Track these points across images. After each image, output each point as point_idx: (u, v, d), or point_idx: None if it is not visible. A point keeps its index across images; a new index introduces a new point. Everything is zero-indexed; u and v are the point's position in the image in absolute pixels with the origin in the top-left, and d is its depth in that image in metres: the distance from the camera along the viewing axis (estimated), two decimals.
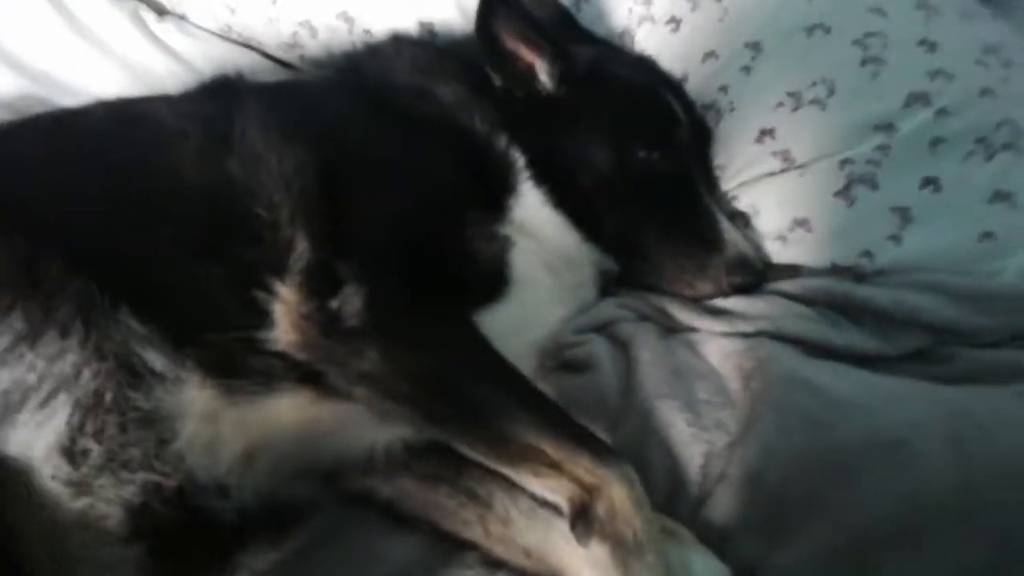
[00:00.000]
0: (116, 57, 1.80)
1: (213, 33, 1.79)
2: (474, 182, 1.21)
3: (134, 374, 0.93)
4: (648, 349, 1.18)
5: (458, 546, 1.03)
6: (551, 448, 0.96)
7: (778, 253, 1.34)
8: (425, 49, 1.42)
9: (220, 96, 1.23)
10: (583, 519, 0.92)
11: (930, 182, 1.24)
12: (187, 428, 0.95)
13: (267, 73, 1.69)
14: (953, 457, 0.93)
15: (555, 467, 0.95)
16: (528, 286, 1.21)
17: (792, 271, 1.31)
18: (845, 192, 1.27)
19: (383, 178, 1.13)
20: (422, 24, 1.60)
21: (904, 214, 1.24)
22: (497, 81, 1.32)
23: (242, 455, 0.99)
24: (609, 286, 1.38)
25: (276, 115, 1.16)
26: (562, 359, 1.21)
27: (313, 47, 1.66)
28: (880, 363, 1.15)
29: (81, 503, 0.87)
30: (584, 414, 1.10)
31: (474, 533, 1.02)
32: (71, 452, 0.88)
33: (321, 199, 1.07)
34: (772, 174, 1.34)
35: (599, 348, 1.21)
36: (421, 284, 1.05)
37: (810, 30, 1.35)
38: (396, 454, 1.07)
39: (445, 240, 1.12)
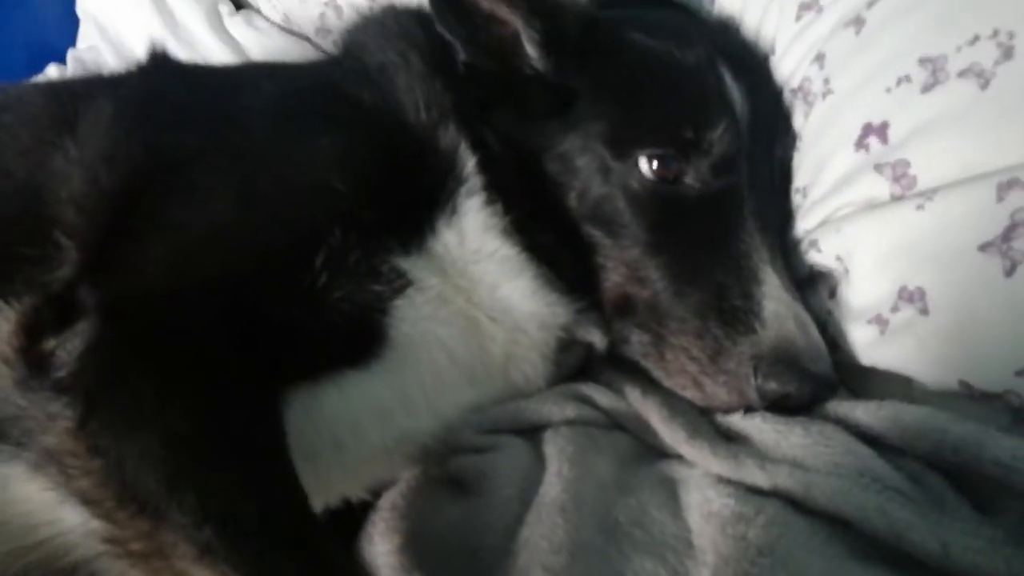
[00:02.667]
0: (197, 52, 1.73)
1: (277, 25, 1.63)
2: (381, 195, 0.83)
3: None
4: (568, 483, 0.70)
5: None
6: None
7: (869, 348, 0.75)
8: (408, 19, 1.06)
9: (125, 78, 1.01)
10: None
11: None
12: None
13: None
14: None
15: None
16: (418, 350, 0.81)
17: (887, 386, 0.72)
18: (1002, 245, 0.65)
19: (214, 182, 0.80)
20: None
21: None
22: (461, 53, 0.93)
23: None
24: (595, 367, 0.90)
25: (144, 100, 0.90)
26: (446, 470, 0.79)
27: (339, 29, 1.40)
28: None
29: None
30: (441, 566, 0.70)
31: None
32: None
33: (119, 201, 0.78)
34: (876, 205, 0.75)
35: (501, 465, 0.75)
36: (192, 334, 0.70)
37: None
38: None
39: (272, 274, 0.75)
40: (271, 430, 0.69)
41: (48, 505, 0.71)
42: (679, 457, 0.75)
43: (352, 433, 0.78)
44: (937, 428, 0.64)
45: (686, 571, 0.64)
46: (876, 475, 0.64)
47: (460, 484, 0.78)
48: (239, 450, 0.66)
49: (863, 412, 0.70)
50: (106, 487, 0.64)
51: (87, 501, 0.65)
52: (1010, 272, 0.65)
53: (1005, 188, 0.66)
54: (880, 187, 0.75)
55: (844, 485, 0.63)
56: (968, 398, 0.67)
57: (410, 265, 0.81)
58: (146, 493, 0.62)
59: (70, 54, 2.06)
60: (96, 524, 0.65)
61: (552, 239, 0.87)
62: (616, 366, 0.89)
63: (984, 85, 0.70)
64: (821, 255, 0.80)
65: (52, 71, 2.08)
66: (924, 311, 0.70)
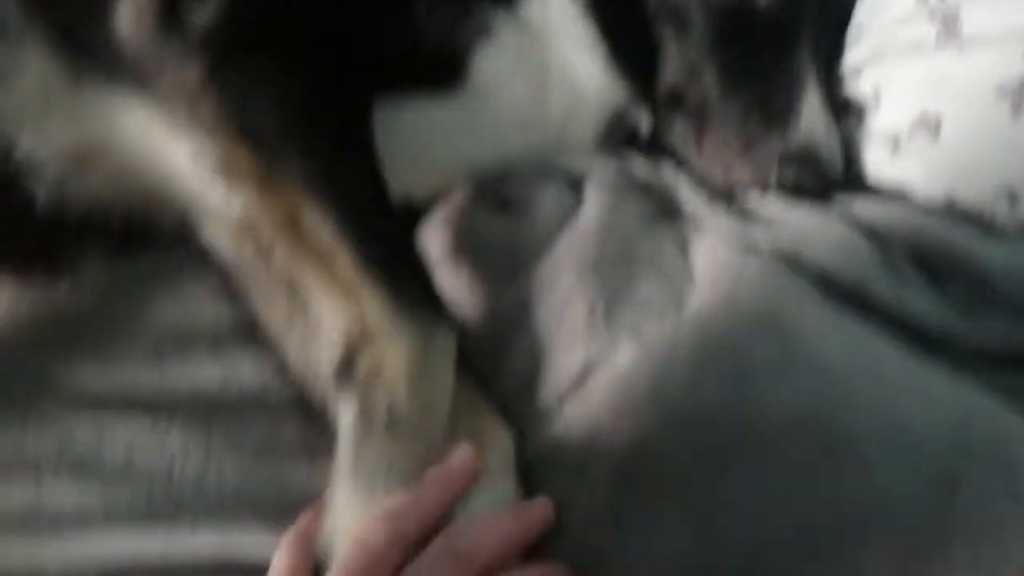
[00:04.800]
0: None
1: None
2: None
3: None
4: (600, 217, 0.83)
5: None
6: (348, 259, 0.71)
7: (882, 166, 0.87)
8: None
9: None
10: (346, 369, 0.69)
11: None
12: (15, 88, 0.80)
13: None
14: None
15: (346, 286, 0.71)
16: (493, 93, 0.91)
17: (887, 198, 0.85)
18: (1021, 91, 0.77)
19: None
20: None
21: None
22: None
23: (70, 157, 0.84)
24: (633, 147, 1.02)
25: None
26: (496, 188, 0.90)
27: None
28: (942, 349, 0.71)
29: None
30: (478, 264, 0.83)
31: None
32: None
33: None
34: (921, 48, 0.86)
35: (545, 192, 0.87)
36: (304, 29, 0.80)
37: None
38: None
39: None
40: (365, 116, 0.80)
41: (160, 139, 0.80)
42: (698, 220, 0.89)
43: (423, 148, 0.89)
44: (920, 225, 0.78)
45: (681, 294, 0.77)
46: (855, 248, 0.76)
47: (502, 203, 0.90)
48: (341, 119, 0.78)
49: (865, 207, 0.82)
50: (228, 124, 0.74)
51: (209, 131, 0.74)
52: (1016, 112, 0.77)
53: None
54: (928, 33, 0.85)
55: (829, 251, 0.76)
56: (952, 210, 0.80)
57: (499, 21, 0.90)
58: (262, 134, 0.74)
59: None
60: (211, 153, 0.75)
61: (624, 28, 0.96)
62: (655, 155, 1.01)
63: None
64: (861, 83, 0.91)
65: None
66: (935, 137, 0.81)
